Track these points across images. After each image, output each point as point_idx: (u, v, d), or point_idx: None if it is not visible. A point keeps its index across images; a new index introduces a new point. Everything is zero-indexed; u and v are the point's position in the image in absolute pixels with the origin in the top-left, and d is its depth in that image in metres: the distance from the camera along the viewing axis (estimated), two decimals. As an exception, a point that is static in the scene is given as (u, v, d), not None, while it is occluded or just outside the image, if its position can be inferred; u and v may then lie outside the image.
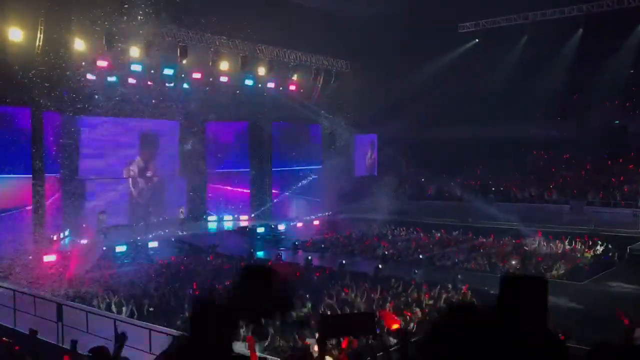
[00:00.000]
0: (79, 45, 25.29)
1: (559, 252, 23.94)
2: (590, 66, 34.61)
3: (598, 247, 24.19)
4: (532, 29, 36.43)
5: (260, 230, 31.08)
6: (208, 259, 23.80)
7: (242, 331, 12.54)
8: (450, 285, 17.93)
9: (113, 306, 15.68)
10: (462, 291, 17.43)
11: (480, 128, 35.20)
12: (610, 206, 30.11)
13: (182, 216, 31.41)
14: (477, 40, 38.69)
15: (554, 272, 21.57)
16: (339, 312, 13.73)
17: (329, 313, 13.04)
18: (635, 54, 33.98)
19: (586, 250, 24.13)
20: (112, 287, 18.29)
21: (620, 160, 33.69)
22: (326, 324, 2.53)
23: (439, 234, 29.06)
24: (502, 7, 34.78)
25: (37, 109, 24.38)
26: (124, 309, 15.50)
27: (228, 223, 34.04)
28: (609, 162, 33.81)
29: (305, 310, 15.17)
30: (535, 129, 36.37)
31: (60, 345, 11.93)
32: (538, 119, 36.52)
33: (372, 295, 16.69)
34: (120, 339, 5.48)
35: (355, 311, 13.60)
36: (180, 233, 29.08)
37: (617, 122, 35.82)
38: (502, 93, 35.01)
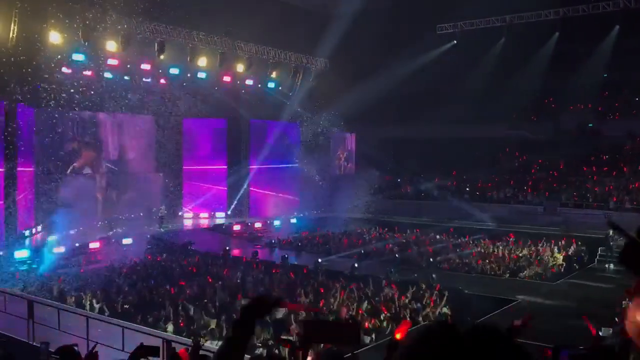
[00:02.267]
0: (55, 38, 24.88)
1: (533, 252, 24.25)
2: (565, 69, 35.13)
3: (571, 248, 24.58)
4: (510, 31, 36.84)
5: (237, 227, 30.98)
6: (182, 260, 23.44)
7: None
8: (423, 285, 18.06)
9: (86, 304, 15.50)
10: (436, 290, 17.59)
11: (457, 128, 35.55)
12: (582, 207, 30.61)
13: (162, 213, 31.09)
14: (455, 41, 38.98)
15: (528, 272, 21.85)
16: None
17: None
18: (609, 58, 34.54)
19: (559, 251, 24.47)
20: (85, 284, 18.09)
21: (594, 163, 34.25)
22: (309, 328, 2.49)
23: (414, 233, 29.23)
24: (481, 9, 35.09)
25: (11, 102, 23.96)
26: (96, 306, 15.33)
27: (204, 220, 33.86)
28: (583, 164, 34.35)
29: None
30: (511, 130, 36.85)
31: (31, 343, 11.74)
32: (513, 120, 36.97)
33: (347, 294, 16.73)
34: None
35: (336, 318, 13.64)
36: (159, 230, 28.89)
37: (591, 125, 36.41)
38: (478, 94, 35.34)
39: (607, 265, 22.54)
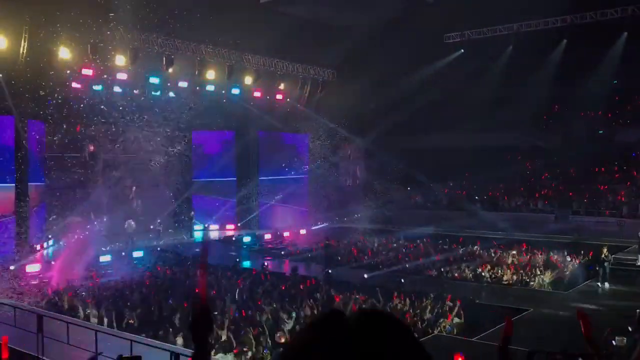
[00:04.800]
0: (64, 53, 25.16)
1: (544, 261, 24.01)
2: (574, 76, 34.97)
3: (582, 257, 24.30)
4: (517, 39, 36.77)
5: (247, 239, 30.97)
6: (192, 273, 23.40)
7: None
8: (431, 295, 17.95)
9: (95, 318, 15.50)
10: (447, 300, 17.46)
11: (466, 137, 35.44)
12: (594, 215, 30.34)
13: (158, 227, 31.16)
14: (462, 50, 38.97)
15: (539, 281, 21.64)
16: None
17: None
18: (618, 65, 34.37)
19: (571, 259, 24.20)
20: (95, 297, 18.10)
21: (604, 170, 34.01)
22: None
23: (424, 243, 29.05)
24: (488, 18, 35.08)
25: (21, 117, 24.19)
26: (105, 320, 15.33)
27: (214, 232, 33.89)
28: (594, 172, 34.11)
29: (290, 321, 15.10)
30: (521, 138, 36.67)
31: (41, 357, 11.76)
32: (523, 128, 36.80)
33: (357, 305, 16.64)
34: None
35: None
36: (155, 243, 28.93)
37: (602, 132, 36.18)
38: (487, 102, 35.24)
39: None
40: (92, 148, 29.94)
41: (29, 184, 24.83)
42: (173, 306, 16.89)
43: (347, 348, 1.13)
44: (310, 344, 1.17)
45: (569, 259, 24.01)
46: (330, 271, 22.51)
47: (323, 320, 1.21)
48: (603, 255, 21.82)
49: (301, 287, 19.80)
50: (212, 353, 12.67)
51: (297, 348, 1.19)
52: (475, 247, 27.05)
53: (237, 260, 25.82)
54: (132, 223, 30.12)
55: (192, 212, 33.28)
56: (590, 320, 3.33)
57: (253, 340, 13.37)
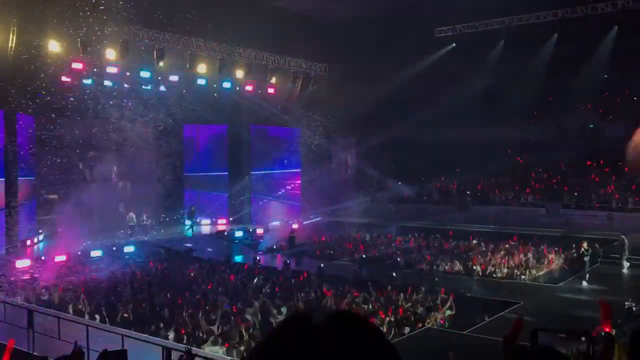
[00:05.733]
0: (54, 46, 24.95)
1: (535, 255, 24.12)
2: (565, 70, 35.08)
3: (573, 250, 24.42)
4: (509, 33, 36.80)
5: (239, 234, 30.92)
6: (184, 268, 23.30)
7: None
8: (423, 289, 18.03)
9: (87, 312, 15.43)
10: (440, 293, 17.55)
11: (457, 131, 35.39)
12: (584, 209, 30.49)
13: (145, 222, 31.03)
14: (454, 44, 38.97)
15: (530, 274, 21.76)
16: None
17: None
18: (608, 59, 34.50)
19: (561, 253, 24.33)
20: (86, 292, 18.02)
21: (595, 163, 34.14)
22: None
23: (416, 237, 29.14)
24: (479, 12, 35.07)
25: (10, 111, 23.99)
26: (97, 315, 15.26)
27: (206, 227, 33.80)
28: (585, 166, 34.25)
29: (280, 316, 15.12)
30: (512, 132, 36.70)
31: (32, 352, 11.69)
32: (514, 122, 36.83)
33: (349, 299, 16.69)
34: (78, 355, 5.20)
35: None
36: (144, 239, 28.83)
37: (592, 125, 36.33)
38: (479, 96, 35.29)
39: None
40: (81, 142, 29.70)
41: (19, 178, 24.64)
42: (164, 301, 16.88)
43: (311, 349, 1.13)
44: (275, 345, 1.17)
45: (559, 252, 24.16)
46: (322, 265, 22.52)
47: (289, 322, 1.21)
48: (582, 250, 21.83)
49: (293, 281, 19.82)
50: (204, 347, 12.68)
51: (263, 349, 1.19)
52: (467, 240, 27.17)
53: (229, 255, 25.78)
54: (133, 215, 30.11)
55: (194, 207, 33.00)
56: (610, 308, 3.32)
57: (245, 335, 13.39)
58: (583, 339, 2.78)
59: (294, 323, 1.20)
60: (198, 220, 33.83)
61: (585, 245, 21.77)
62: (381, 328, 14.46)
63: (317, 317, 1.19)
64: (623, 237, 22.17)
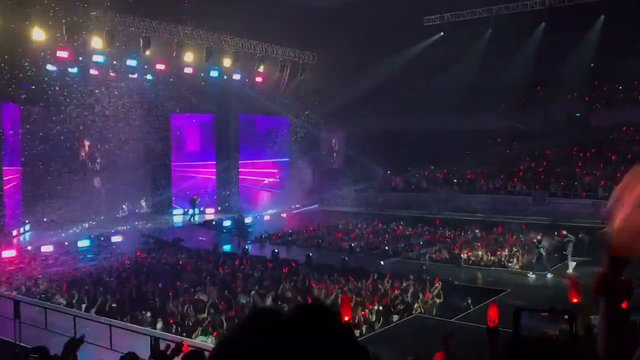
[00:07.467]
0: (38, 35, 24.60)
1: (521, 243, 24.31)
2: (553, 59, 35.20)
3: (559, 237, 24.58)
4: (497, 22, 36.85)
5: (227, 223, 30.86)
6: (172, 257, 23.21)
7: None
8: (412, 277, 18.13)
9: (74, 302, 15.37)
10: (427, 282, 17.66)
11: (446, 120, 35.52)
12: (571, 197, 30.71)
13: (143, 209, 30.92)
14: (442, 33, 38.97)
15: (516, 262, 21.93)
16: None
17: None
18: (596, 48, 34.66)
19: (547, 240, 24.48)
20: (73, 282, 17.95)
21: (582, 152, 34.36)
22: None
23: (404, 226, 29.25)
24: (467, 0, 35.11)
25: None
26: (83, 305, 15.21)
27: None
28: (571, 154, 34.45)
29: (266, 302, 15.18)
30: (500, 121, 36.82)
31: (18, 343, 11.63)
32: (502, 110, 36.96)
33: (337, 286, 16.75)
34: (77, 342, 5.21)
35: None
36: (140, 226, 28.68)
37: (579, 114, 36.52)
38: (467, 85, 35.35)
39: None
40: (67, 131, 29.42)
41: (4, 168, 24.40)
42: (152, 291, 16.84)
43: (277, 341, 1.14)
44: (242, 337, 1.18)
45: (544, 240, 24.29)
46: (311, 254, 22.57)
47: (257, 315, 1.22)
48: (535, 241, 21.89)
49: (285, 270, 19.84)
50: (194, 336, 12.70)
51: (230, 341, 1.20)
52: (454, 229, 27.31)
53: (217, 244, 25.75)
54: (143, 203, 30.05)
55: (196, 196, 32.70)
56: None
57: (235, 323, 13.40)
58: (566, 317, 2.82)
59: (262, 315, 1.21)
60: (202, 209, 33.62)
61: (539, 237, 21.85)
62: (369, 316, 14.56)
63: (286, 310, 1.21)
64: (571, 236, 22.11)
